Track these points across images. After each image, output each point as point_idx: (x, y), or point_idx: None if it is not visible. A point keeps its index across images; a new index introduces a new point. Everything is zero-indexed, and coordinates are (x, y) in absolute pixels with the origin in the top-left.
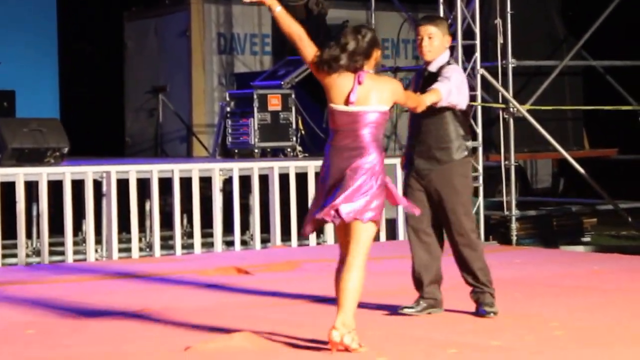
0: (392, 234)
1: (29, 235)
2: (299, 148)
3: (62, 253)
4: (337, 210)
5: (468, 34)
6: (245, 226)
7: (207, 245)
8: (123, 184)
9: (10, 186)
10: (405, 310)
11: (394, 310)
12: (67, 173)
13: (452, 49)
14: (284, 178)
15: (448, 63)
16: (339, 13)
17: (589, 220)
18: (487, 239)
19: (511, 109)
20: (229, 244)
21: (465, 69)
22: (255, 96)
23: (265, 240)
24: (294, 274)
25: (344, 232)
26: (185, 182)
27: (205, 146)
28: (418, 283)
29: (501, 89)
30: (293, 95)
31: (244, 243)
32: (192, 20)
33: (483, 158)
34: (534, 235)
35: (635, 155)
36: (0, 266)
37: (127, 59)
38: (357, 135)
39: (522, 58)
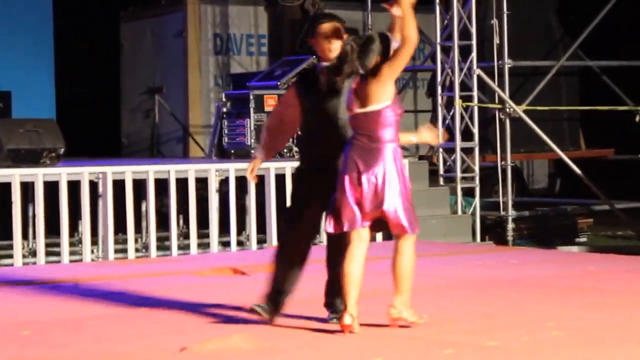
0: (388, 234)
1: (25, 236)
2: (295, 149)
3: (58, 254)
4: None
5: (464, 34)
6: (241, 227)
7: (203, 245)
8: (119, 185)
9: (6, 187)
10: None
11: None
12: (63, 174)
13: (449, 49)
14: (280, 179)
15: None
16: (334, 13)
17: (585, 220)
18: (483, 239)
19: (507, 109)
20: (225, 244)
21: (461, 69)
22: (251, 97)
23: (261, 241)
24: None
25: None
26: (182, 183)
27: (202, 147)
28: None
29: (497, 89)
30: None
31: (240, 244)
32: (189, 21)
33: (479, 158)
34: (530, 236)
35: (631, 156)
36: None
37: (124, 60)
38: None
39: (519, 58)
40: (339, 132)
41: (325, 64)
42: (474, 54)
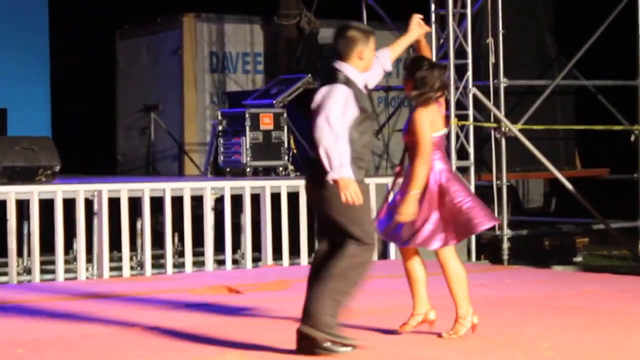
0: (383, 253)
1: (19, 254)
2: (290, 167)
3: (53, 271)
4: None
5: (460, 53)
6: (236, 245)
7: (199, 264)
8: (114, 203)
9: (1, 204)
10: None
11: (383, 329)
12: (58, 191)
13: (445, 67)
14: (275, 197)
15: None
16: (330, 32)
17: (580, 240)
18: (478, 258)
19: (503, 129)
20: (221, 262)
21: (457, 88)
22: (247, 115)
23: (256, 260)
24: (285, 294)
25: None
26: (177, 201)
27: (197, 165)
28: None
29: (493, 108)
30: (285, 114)
31: (235, 262)
32: (185, 39)
33: (475, 177)
34: (526, 255)
35: (627, 175)
36: None
37: (119, 77)
38: None
39: (514, 77)
40: None
41: None
42: (469, 73)
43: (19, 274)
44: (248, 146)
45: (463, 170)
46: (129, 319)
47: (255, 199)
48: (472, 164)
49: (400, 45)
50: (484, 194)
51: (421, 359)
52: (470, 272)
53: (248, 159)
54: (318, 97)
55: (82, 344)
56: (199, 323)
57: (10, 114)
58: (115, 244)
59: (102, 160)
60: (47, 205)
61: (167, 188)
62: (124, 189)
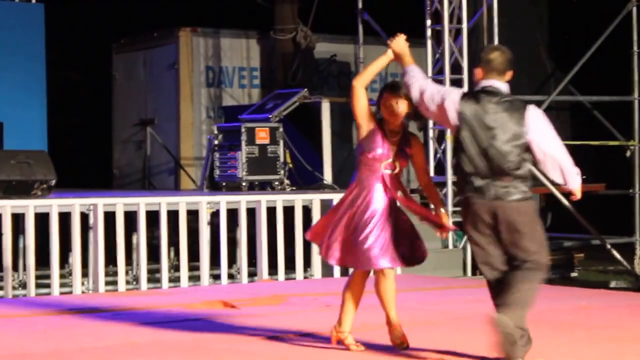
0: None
1: (15, 268)
2: (286, 181)
3: (49, 286)
4: None
5: (456, 68)
6: (232, 260)
7: (194, 278)
8: (110, 217)
9: None
10: None
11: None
12: (54, 205)
13: (440, 83)
14: (271, 211)
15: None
16: (326, 47)
17: (577, 255)
18: (474, 273)
19: None
20: (216, 277)
21: None
22: (243, 129)
23: (252, 274)
24: (281, 308)
25: None
26: (173, 215)
27: (193, 179)
28: None
29: None
30: (281, 129)
31: (230, 277)
32: (181, 53)
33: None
34: None
35: (622, 191)
36: None
37: (115, 91)
38: None
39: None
40: None
41: None
42: (465, 88)
43: (14, 288)
44: (244, 160)
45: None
46: (124, 333)
47: (251, 213)
48: None
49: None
50: None
51: None
52: (466, 287)
53: (244, 173)
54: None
55: (77, 358)
56: (194, 338)
57: (6, 128)
58: (110, 258)
59: (98, 175)
60: (42, 219)
61: (163, 202)
62: (120, 203)
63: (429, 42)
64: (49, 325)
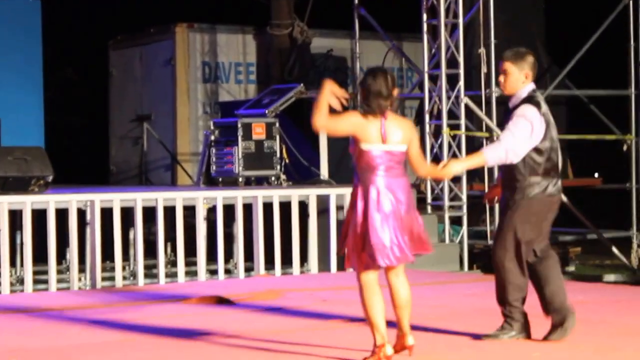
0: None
1: (12, 264)
2: (283, 177)
3: (46, 281)
4: None
5: (452, 62)
6: (229, 255)
7: (191, 274)
8: (107, 213)
9: None
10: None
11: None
12: (51, 201)
13: (437, 77)
14: (267, 207)
15: (525, 100)
16: (323, 42)
17: (573, 249)
18: (470, 267)
19: (495, 138)
20: (213, 272)
21: (449, 98)
22: (239, 125)
23: (249, 269)
24: (278, 303)
25: None
26: (169, 211)
27: (190, 174)
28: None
29: (485, 117)
30: (277, 124)
31: (227, 272)
32: (177, 49)
33: (467, 187)
34: None
35: (619, 185)
36: None
37: (112, 88)
38: None
39: None
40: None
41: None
42: (461, 83)
43: (11, 284)
44: (240, 156)
45: (455, 180)
46: (121, 329)
47: (248, 208)
48: (464, 173)
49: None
50: (476, 203)
51: None
52: (462, 282)
53: (240, 168)
54: None
55: (74, 354)
56: (191, 333)
57: (3, 125)
58: (107, 253)
59: (95, 170)
60: (39, 216)
61: (160, 198)
62: (117, 199)
63: (425, 37)
64: (47, 321)
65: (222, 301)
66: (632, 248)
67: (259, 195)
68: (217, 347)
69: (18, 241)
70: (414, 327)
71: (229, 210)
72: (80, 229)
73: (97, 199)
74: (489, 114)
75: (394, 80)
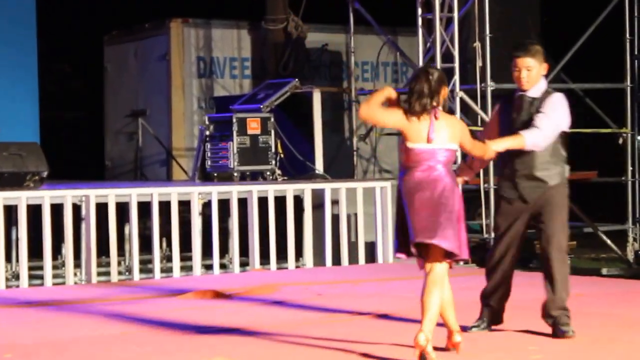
0: (371, 257)
1: (8, 259)
2: (278, 171)
3: (41, 277)
4: None
5: (447, 56)
6: (224, 250)
7: (186, 268)
8: (102, 208)
9: None
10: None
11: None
12: (46, 197)
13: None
14: (263, 201)
15: (549, 90)
16: (318, 36)
17: (569, 243)
18: (466, 262)
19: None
20: (208, 267)
21: None
22: (234, 120)
23: (244, 264)
24: (273, 298)
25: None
26: (165, 206)
27: (185, 170)
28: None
29: (480, 111)
30: (272, 119)
31: (223, 266)
32: (172, 44)
33: (462, 181)
34: None
35: (614, 178)
36: None
37: (107, 83)
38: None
39: (501, 81)
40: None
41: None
42: (456, 77)
43: (7, 279)
44: (235, 151)
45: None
46: (116, 323)
47: (243, 203)
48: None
49: None
50: (471, 197)
51: None
52: (458, 276)
53: (235, 163)
54: None
55: (70, 348)
56: (187, 327)
57: None
58: (103, 249)
59: (90, 166)
60: (35, 211)
61: (155, 193)
62: (112, 194)
63: (420, 31)
64: (42, 316)
65: (218, 295)
66: (628, 241)
67: (254, 190)
68: (213, 342)
69: (13, 237)
70: (409, 321)
71: (224, 205)
72: (76, 224)
73: (92, 194)
74: (484, 108)
75: (441, 79)
